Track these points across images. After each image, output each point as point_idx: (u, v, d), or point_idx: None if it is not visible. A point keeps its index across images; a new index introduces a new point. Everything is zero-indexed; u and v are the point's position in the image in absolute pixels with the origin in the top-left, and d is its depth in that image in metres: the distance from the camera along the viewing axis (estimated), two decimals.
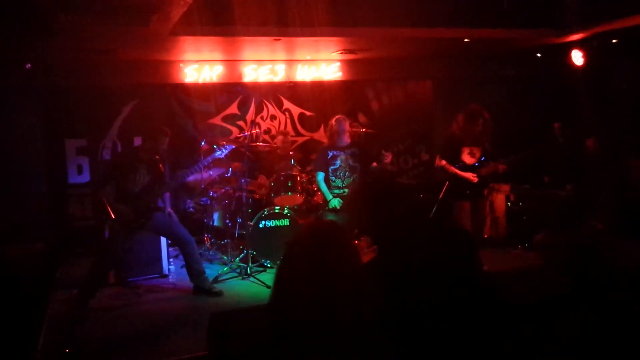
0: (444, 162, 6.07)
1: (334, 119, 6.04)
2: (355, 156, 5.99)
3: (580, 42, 7.48)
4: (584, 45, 7.47)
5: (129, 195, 5.31)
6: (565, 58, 7.66)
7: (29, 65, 6.83)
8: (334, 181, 6.00)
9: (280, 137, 7.64)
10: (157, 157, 5.52)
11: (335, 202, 5.88)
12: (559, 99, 7.98)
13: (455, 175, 5.99)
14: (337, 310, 1.50)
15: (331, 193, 5.99)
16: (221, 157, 5.93)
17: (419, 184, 9.03)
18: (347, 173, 5.97)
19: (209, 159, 5.86)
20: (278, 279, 1.66)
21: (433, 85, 9.28)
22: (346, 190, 5.90)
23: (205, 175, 7.10)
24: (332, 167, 5.99)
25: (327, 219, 1.61)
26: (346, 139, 6.01)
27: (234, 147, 6.20)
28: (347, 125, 6.01)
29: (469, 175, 5.95)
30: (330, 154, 6.02)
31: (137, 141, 7.59)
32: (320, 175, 6.08)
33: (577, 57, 7.57)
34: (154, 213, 5.49)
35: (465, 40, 7.21)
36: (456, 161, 6.03)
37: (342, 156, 5.98)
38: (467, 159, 6.04)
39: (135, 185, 5.36)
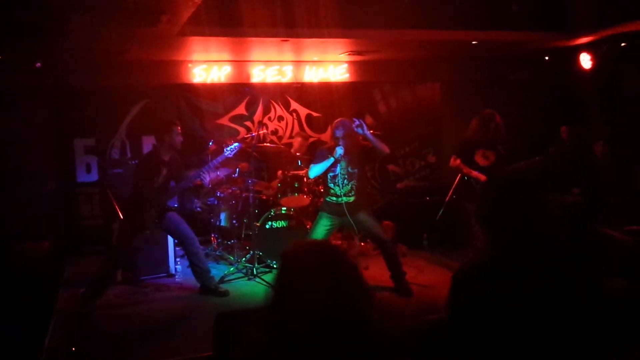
0: (458, 161, 6.06)
1: (334, 123, 5.67)
2: (353, 162, 5.63)
3: (589, 45, 7.45)
4: (592, 48, 7.44)
5: (148, 196, 5.30)
6: (573, 61, 7.63)
7: (39, 64, 6.88)
8: (332, 188, 5.65)
9: (298, 139, 7.64)
10: (177, 157, 5.54)
11: (340, 151, 5.45)
12: (567, 103, 7.94)
13: (469, 175, 5.98)
14: (346, 325, 1.48)
15: (327, 201, 5.71)
16: (230, 155, 5.92)
17: (426, 186, 9.01)
18: (345, 181, 5.62)
19: (219, 158, 5.82)
20: (280, 286, 1.60)
21: (441, 88, 9.27)
22: (344, 198, 5.59)
23: (212, 175, 7.12)
24: (330, 174, 5.64)
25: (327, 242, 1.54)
26: (347, 144, 5.52)
27: (241, 145, 6.17)
28: (348, 129, 5.53)
29: (480, 175, 5.93)
30: (331, 159, 5.60)
31: (146, 140, 7.62)
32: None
33: (586, 61, 7.54)
34: (167, 213, 5.51)
35: (474, 42, 7.21)
36: (470, 163, 6.02)
37: (343, 163, 5.60)
38: (480, 161, 6.03)
39: (154, 186, 5.36)
